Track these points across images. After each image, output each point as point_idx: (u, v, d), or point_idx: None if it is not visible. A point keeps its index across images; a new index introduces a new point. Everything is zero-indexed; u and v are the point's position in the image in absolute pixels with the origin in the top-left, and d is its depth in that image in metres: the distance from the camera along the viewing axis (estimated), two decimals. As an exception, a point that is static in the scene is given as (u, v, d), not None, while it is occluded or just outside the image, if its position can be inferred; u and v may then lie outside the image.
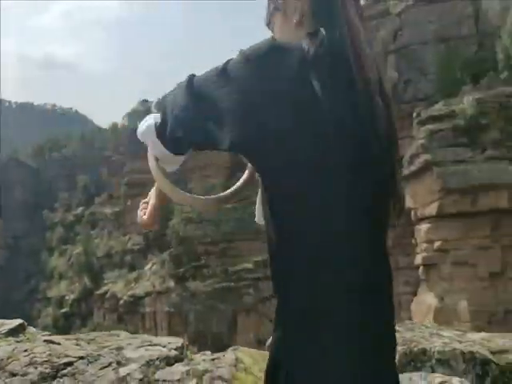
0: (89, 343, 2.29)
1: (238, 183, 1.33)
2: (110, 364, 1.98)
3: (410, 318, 26.53)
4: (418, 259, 26.30)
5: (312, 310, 0.96)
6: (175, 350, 2.22)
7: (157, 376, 1.98)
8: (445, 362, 2.47)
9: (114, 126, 70.47)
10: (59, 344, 2.12)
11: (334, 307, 0.96)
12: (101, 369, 1.94)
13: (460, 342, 2.56)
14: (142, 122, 1.21)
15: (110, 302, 43.50)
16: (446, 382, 1.90)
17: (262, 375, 2.31)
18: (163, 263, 42.07)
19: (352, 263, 0.96)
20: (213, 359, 2.19)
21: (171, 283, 38.66)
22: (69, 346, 2.14)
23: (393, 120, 1.07)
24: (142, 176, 52.52)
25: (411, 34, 26.79)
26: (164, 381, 1.95)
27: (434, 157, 23.99)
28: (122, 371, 1.93)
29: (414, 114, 25.33)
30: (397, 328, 3.30)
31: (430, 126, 23.98)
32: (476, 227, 23.91)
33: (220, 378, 2.00)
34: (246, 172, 1.32)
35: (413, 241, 27.76)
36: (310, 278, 0.97)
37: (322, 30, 1.00)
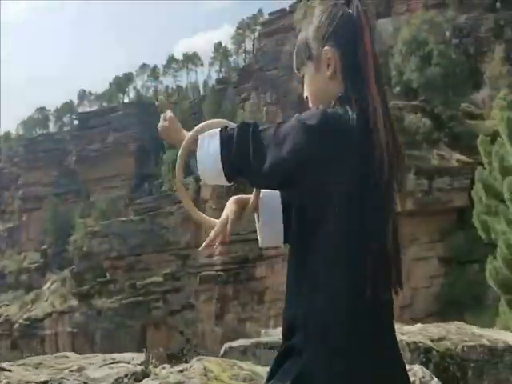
0: (37, 368, 2.11)
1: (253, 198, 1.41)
2: (75, 386, 1.85)
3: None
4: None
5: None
6: (140, 365, 2.12)
7: (128, 393, 1.89)
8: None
9: (7, 135, 65.37)
10: (10, 371, 1.92)
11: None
12: (67, 392, 1.80)
13: (402, 334, 2.75)
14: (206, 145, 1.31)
15: (3, 326, 39.97)
16: (409, 370, 2.03)
17: (232, 382, 2.29)
18: (64, 281, 39.68)
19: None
20: (180, 371, 2.13)
21: (74, 302, 36.57)
22: (21, 372, 1.96)
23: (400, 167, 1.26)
24: (39, 189, 49.14)
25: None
26: (136, 397, 1.87)
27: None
28: (92, 392, 1.81)
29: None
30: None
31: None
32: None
33: None
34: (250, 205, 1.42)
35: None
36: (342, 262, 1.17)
37: (353, 97, 1.20)
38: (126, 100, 66.65)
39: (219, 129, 1.30)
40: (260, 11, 65.61)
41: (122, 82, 69.15)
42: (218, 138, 1.27)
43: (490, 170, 14.39)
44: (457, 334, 2.66)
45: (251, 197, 1.42)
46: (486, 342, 2.56)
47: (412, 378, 1.96)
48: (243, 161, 1.22)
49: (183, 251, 32.91)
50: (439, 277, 26.10)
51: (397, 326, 3.39)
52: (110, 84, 69.92)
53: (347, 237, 1.17)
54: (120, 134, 52.02)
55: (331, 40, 1.26)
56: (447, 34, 24.74)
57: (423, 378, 2.00)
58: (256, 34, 55.89)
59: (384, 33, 27.73)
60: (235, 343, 2.89)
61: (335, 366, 1.14)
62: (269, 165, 1.19)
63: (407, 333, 2.74)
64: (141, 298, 33.12)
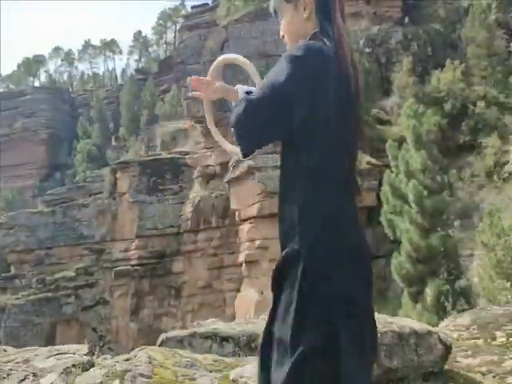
0: (-22, 362, 2.15)
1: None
2: (26, 377, 1.93)
3: (234, 314, 27.99)
4: (241, 257, 28.04)
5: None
6: (85, 355, 2.23)
7: (78, 382, 2.00)
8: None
9: None
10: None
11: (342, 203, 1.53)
12: (19, 382, 1.88)
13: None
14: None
15: None
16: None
17: (177, 368, 2.46)
18: (-38, 276, 36.64)
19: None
20: (126, 359, 2.27)
21: (-27, 299, 33.91)
22: (-34, 365, 1.99)
23: (358, 84, 1.60)
24: None
25: (236, 47, 28.47)
26: (86, 385, 1.98)
27: (256, 162, 26.03)
28: (44, 382, 1.90)
29: (238, 123, 27.02)
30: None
31: (252, 134, 25.87)
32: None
33: (142, 375, 2.10)
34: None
35: (237, 240, 29.35)
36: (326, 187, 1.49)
37: (328, 32, 1.51)
38: (37, 84, 62.71)
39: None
40: (182, 3, 64.71)
41: (32, 64, 64.90)
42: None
43: (397, 173, 15.63)
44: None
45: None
46: (396, 328, 2.97)
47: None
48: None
49: (97, 245, 31.80)
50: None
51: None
52: (19, 65, 65.39)
53: (330, 148, 1.48)
54: (29, 119, 48.91)
55: None
56: (361, 42, 26.15)
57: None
58: (178, 26, 55.11)
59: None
60: (171, 334, 3.06)
61: (324, 264, 1.47)
62: (271, 86, 1.44)
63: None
64: (50, 293, 31.51)
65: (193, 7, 44.15)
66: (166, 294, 29.68)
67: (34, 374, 1.98)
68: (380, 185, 26.23)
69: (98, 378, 2.05)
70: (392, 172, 16.04)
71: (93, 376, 2.06)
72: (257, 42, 28.03)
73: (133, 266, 29.89)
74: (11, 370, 1.98)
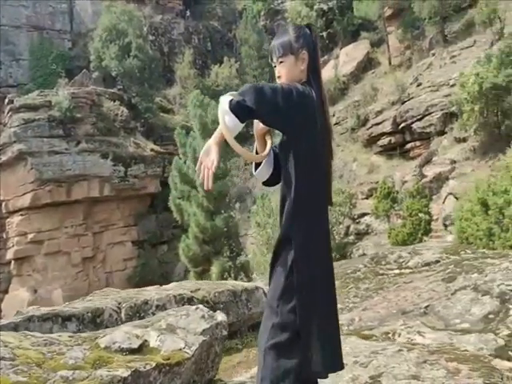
0: None
1: (268, 147, 2.05)
2: None
3: (0, 317, 24.94)
4: (10, 254, 25.08)
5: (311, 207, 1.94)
6: None
7: None
8: (163, 306, 3.11)
9: None
10: None
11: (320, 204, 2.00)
12: None
13: (167, 290, 3.26)
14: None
15: None
16: (196, 308, 2.53)
17: (38, 348, 2.29)
18: None
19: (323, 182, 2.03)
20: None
21: None
22: None
23: (329, 122, 2.10)
24: None
25: (2, 14, 25.02)
26: None
27: (29, 147, 23.48)
28: None
29: (7, 101, 23.91)
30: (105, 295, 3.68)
31: (24, 115, 23.20)
32: (70, 216, 24.84)
33: (3, 358, 1.94)
34: (269, 143, 2.07)
35: (4, 235, 26.08)
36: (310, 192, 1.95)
37: (313, 81, 2.02)
38: None
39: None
40: None
41: None
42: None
43: (185, 160, 16.32)
44: (206, 285, 3.34)
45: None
46: (231, 287, 3.34)
47: (201, 313, 2.49)
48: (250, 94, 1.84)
49: None
50: (133, 259, 27.09)
51: (156, 286, 3.88)
52: None
53: (314, 175, 1.94)
54: None
55: (305, 48, 2.05)
56: (144, 29, 26.09)
57: (209, 311, 2.55)
58: None
59: (83, 14, 27.07)
60: (4, 321, 2.78)
61: (314, 249, 1.93)
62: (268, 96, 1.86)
63: (170, 289, 3.26)
64: None
65: None
66: None
67: None
68: (164, 172, 26.85)
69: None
70: (180, 159, 16.64)
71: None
72: (28, 12, 25.15)
73: None
74: None
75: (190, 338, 2.24)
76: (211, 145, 1.90)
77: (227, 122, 1.85)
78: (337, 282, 2.07)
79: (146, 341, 2.23)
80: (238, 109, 1.83)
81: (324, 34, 24.47)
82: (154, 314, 3.04)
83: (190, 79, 26.40)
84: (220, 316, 2.54)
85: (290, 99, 1.89)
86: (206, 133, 15.82)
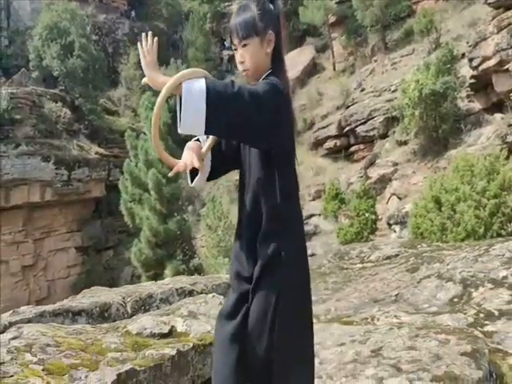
0: None
1: (208, 143, 1.73)
2: None
3: None
4: None
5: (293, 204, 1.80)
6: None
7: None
8: (166, 300, 3.18)
9: None
10: None
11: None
12: None
13: (166, 284, 3.34)
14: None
15: None
16: (212, 297, 2.63)
17: (74, 336, 2.30)
18: None
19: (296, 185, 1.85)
20: (13, 338, 2.04)
21: None
22: None
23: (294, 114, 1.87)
24: None
25: None
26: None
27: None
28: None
29: None
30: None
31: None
32: (9, 222, 23.71)
33: (48, 345, 1.95)
34: (210, 139, 1.81)
35: None
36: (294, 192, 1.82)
37: (278, 68, 1.76)
38: None
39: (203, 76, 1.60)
40: None
41: None
42: (204, 80, 1.55)
43: (136, 162, 16.07)
44: (201, 278, 3.45)
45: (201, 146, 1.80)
46: (226, 280, 3.46)
47: (218, 300, 2.60)
48: (228, 93, 1.54)
49: None
50: (77, 266, 26.28)
51: (153, 282, 3.91)
52: None
53: (294, 172, 1.81)
54: None
55: (271, 27, 1.75)
56: (88, 28, 25.39)
57: (223, 299, 2.66)
58: None
59: (21, 11, 25.92)
60: (17, 317, 2.75)
61: (298, 244, 1.78)
62: (252, 98, 1.57)
63: (168, 283, 3.34)
64: None
65: None
66: None
67: None
68: (109, 175, 26.19)
69: (10, 353, 1.83)
70: (131, 161, 16.38)
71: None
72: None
73: None
74: None
75: (214, 322, 2.36)
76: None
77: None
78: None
79: (173, 326, 2.33)
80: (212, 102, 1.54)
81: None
82: (158, 307, 3.11)
83: (135, 80, 26.00)
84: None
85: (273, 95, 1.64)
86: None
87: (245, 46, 1.74)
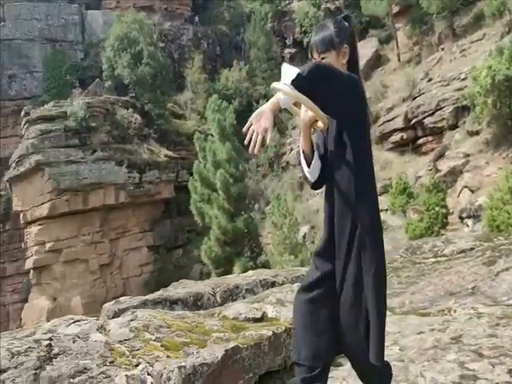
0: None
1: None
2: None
3: (21, 326, 25.28)
4: (29, 263, 25.40)
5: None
6: (96, 320, 2.26)
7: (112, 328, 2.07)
8: (251, 290, 3.45)
9: None
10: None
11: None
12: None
13: (249, 276, 3.60)
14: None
15: None
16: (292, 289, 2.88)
17: (180, 319, 2.62)
18: None
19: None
20: (131, 320, 2.37)
21: None
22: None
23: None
24: None
25: (15, 28, 25.51)
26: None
27: (46, 157, 23.84)
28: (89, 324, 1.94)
29: (23, 113, 24.38)
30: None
31: (40, 126, 23.61)
32: (87, 224, 25.15)
33: (161, 326, 2.27)
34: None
35: (22, 245, 26.44)
36: None
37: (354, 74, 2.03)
38: None
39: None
40: None
41: None
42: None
43: (205, 164, 16.68)
44: (284, 271, 3.68)
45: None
46: (304, 273, 3.64)
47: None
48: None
49: None
50: (149, 264, 27.23)
51: (237, 275, 4.20)
52: None
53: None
54: None
55: (346, 42, 2.07)
56: (155, 37, 26.52)
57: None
58: None
59: (95, 24, 27.56)
60: (122, 305, 3.13)
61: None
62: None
63: (251, 275, 3.60)
64: None
65: None
66: None
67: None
68: (177, 177, 27.17)
69: (132, 331, 2.16)
70: (200, 163, 16.98)
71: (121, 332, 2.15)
72: (41, 24, 25.62)
73: None
74: (53, 338, 1.93)
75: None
76: (265, 110, 1.85)
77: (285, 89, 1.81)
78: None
79: (264, 312, 2.57)
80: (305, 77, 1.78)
81: (331, 34, 24.69)
82: (243, 296, 3.38)
83: (200, 84, 26.78)
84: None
85: (356, 85, 1.95)
86: (224, 137, 16.19)
87: (323, 59, 2.05)
